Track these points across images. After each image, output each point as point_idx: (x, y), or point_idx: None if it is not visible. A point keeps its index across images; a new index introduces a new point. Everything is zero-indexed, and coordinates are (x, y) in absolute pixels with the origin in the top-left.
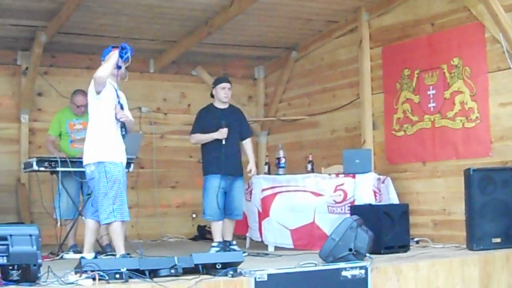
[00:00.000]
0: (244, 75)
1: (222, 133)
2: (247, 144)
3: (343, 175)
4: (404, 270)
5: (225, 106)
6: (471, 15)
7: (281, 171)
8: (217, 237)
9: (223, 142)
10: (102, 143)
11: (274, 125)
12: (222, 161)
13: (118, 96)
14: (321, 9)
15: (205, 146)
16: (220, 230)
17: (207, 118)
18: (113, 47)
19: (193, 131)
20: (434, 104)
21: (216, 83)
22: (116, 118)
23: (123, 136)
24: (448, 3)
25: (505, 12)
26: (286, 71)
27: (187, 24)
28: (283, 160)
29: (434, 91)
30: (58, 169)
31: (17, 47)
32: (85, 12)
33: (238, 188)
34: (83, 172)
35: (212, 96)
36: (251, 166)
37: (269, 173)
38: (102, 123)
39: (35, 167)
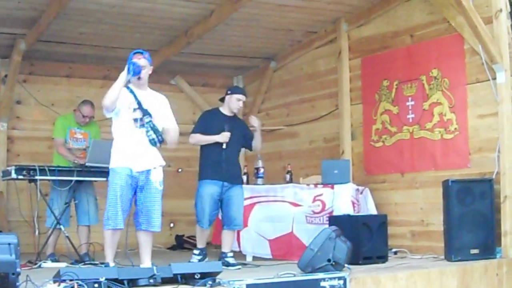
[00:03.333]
0: (223, 85)
1: (224, 136)
2: (257, 148)
3: (321, 185)
4: (382, 280)
5: (231, 114)
6: (450, 27)
7: (259, 181)
8: (201, 243)
9: (224, 146)
10: (112, 151)
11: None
12: (223, 167)
13: (139, 103)
14: (301, 20)
15: (204, 149)
16: (206, 237)
17: (210, 120)
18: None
19: (194, 131)
20: (413, 115)
21: (233, 91)
22: (139, 124)
23: (153, 141)
24: (427, 14)
25: (485, 24)
26: (265, 81)
27: (167, 34)
28: (261, 170)
29: (413, 102)
30: (36, 177)
31: None
32: (66, 20)
33: (237, 196)
34: (64, 181)
35: (221, 100)
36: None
37: (247, 183)
38: (116, 133)
39: (14, 175)
